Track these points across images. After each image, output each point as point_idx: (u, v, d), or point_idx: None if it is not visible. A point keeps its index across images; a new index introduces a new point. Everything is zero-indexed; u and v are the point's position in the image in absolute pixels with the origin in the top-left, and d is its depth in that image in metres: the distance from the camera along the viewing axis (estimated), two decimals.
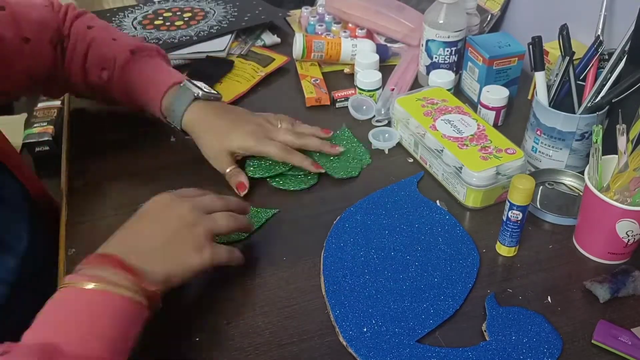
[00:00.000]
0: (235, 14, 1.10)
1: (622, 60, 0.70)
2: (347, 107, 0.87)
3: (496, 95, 0.82)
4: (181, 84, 0.75)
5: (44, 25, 0.71)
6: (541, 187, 0.73)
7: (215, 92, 0.76)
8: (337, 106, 0.89)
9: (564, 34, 0.73)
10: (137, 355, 0.48)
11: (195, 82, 0.75)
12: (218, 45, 1.01)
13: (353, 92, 0.89)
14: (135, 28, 1.05)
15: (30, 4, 0.70)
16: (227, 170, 0.72)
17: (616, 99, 0.69)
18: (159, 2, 1.15)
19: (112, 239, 0.52)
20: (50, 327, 0.44)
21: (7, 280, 0.59)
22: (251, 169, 0.74)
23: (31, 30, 0.68)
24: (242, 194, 0.70)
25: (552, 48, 0.85)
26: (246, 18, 1.08)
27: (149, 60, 0.78)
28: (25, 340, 0.43)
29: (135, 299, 0.47)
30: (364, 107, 0.87)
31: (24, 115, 1.02)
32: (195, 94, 0.73)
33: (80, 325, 0.44)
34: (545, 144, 0.74)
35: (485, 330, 0.56)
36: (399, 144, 0.81)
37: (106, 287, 0.46)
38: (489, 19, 1.03)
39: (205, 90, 0.75)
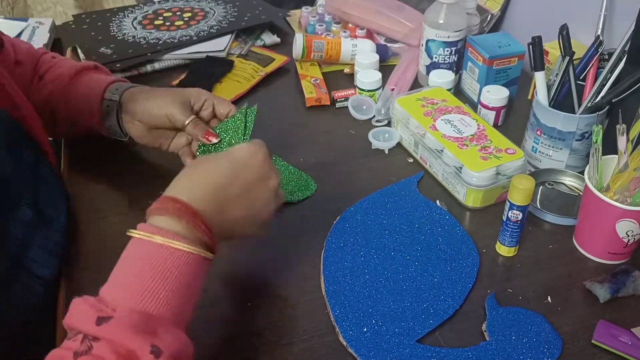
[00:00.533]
0: (235, 14, 1.10)
1: (622, 60, 0.70)
2: (347, 107, 0.87)
3: (496, 95, 0.82)
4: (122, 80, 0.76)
5: (30, 53, 0.77)
6: (541, 187, 0.73)
7: None
8: (337, 106, 0.89)
9: (564, 34, 0.73)
10: None
11: None
12: (218, 45, 1.01)
13: (353, 92, 0.89)
14: (135, 28, 1.05)
15: (18, 40, 0.79)
16: (187, 121, 0.68)
17: (616, 99, 0.69)
18: (159, 2, 1.15)
19: (191, 182, 0.51)
20: (131, 288, 0.44)
21: (57, 254, 0.60)
22: None
23: (22, 54, 0.75)
24: (216, 140, 0.67)
25: (552, 48, 0.85)
26: (246, 18, 1.08)
27: (102, 74, 0.79)
28: (104, 295, 0.44)
29: (207, 256, 0.48)
30: (364, 107, 0.87)
31: None
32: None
33: (158, 282, 0.44)
34: (545, 144, 0.74)
35: (485, 330, 0.56)
36: (399, 144, 0.81)
37: (182, 245, 0.46)
38: (489, 18, 1.03)
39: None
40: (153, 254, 0.45)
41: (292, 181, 0.73)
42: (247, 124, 0.69)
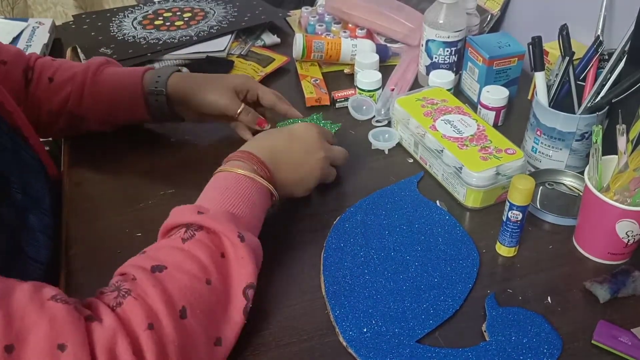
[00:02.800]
0: (235, 14, 1.10)
1: (622, 60, 0.70)
2: (347, 107, 0.87)
3: (496, 95, 0.82)
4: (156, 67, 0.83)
5: (19, 55, 0.76)
6: (541, 187, 0.73)
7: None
8: (337, 106, 0.89)
9: (564, 34, 0.73)
10: None
11: None
12: (218, 46, 1.01)
13: (353, 92, 0.89)
14: (135, 28, 1.05)
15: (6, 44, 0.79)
16: (239, 110, 0.74)
17: (616, 99, 0.69)
18: (159, 2, 1.15)
19: (257, 144, 0.64)
20: (218, 201, 0.56)
21: (49, 235, 0.63)
22: None
23: (8, 56, 0.74)
24: (267, 126, 0.75)
25: (552, 48, 0.85)
26: (246, 18, 1.08)
27: (117, 66, 0.81)
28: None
29: (272, 191, 0.61)
30: (364, 108, 0.87)
31: None
32: (177, 68, 0.79)
33: (237, 198, 0.56)
34: (545, 144, 0.74)
35: (485, 331, 0.56)
36: (398, 144, 0.81)
37: (254, 175, 0.59)
38: (488, 19, 1.03)
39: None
40: (233, 181, 0.58)
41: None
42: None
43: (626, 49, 0.70)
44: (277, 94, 0.77)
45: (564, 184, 0.74)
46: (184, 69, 0.77)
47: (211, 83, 0.75)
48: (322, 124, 0.80)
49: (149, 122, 0.80)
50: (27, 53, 0.79)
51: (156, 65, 0.98)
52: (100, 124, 0.79)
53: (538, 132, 0.74)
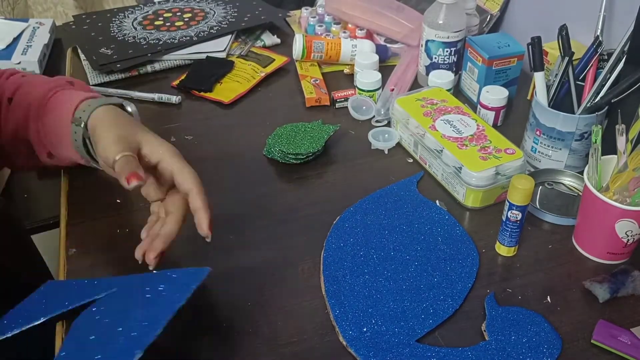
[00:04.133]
0: (235, 14, 1.10)
1: (621, 60, 0.70)
2: (346, 107, 0.87)
3: (495, 95, 0.82)
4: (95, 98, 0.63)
5: None
6: (540, 187, 0.73)
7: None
8: (336, 106, 0.89)
9: (563, 34, 0.73)
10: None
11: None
12: (218, 46, 1.02)
13: (353, 92, 0.90)
14: (136, 28, 1.05)
15: None
16: (118, 156, 0.54)
17: (615, 99, 0.69)
18: (159, 2, 1.15)
19: None
20: None
21: None
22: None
23: None
24: (135, 183, 0.52)
25: (552, 48, 0.85)
26: (246, 19, 1.08)
27: (68, 91, 0.66)
28: None
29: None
30: (364, 108, 0.87)
31: None
32: (114, 102, 0.63)
33: None
34: (545, 144, 0.74)
35: (484, 330, 0.56)
36: (398, 144, 0.81)
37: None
38: (488, 19, 1.03)
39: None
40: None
41: (310, 133, 0.79)
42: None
43: (625, 49, 0.70)
44: (197, 182, 0.56)
45: (563, 184, 0.74)
46: (131, 107, 0.64)
47: (121, 124, 0.58)
48: (322, 129, 0.80)
49: (77, 161, 0.64)
50: (4, 67, 0.70)
51: (156, 65, 0.98)
52: (49, 158, 0.66)
53: (537, 132, 0.74)
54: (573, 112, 0.73)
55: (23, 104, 0.64)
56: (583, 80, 0.75)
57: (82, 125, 0.58)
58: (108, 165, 0.55)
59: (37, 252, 0.89)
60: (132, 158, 0.54)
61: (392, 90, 0.91)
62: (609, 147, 0.62)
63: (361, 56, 0.93)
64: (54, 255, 0.67)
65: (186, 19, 1.08)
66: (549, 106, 0.74)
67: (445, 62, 0.91)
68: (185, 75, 0.95)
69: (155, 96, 0.91)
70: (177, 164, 0.56)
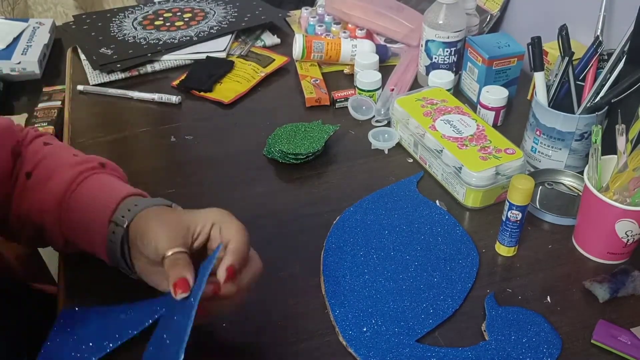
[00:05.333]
0: (235, 14, 1.10)
1: (621, 60, 0.70)
2: (346, 107, 0.87)
3: (495, 95, 0.82)
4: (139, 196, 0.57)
5: (8, 133, 0.59)
6: (540, 187, 0.73)
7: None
8: (336, 106, 0.89)
9: (563, 34, 0.73)
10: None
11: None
12: (218, 46, 1.02)
13: (353, 92, 0.90)
14: (136, 28, 1.05)
15: None
16: (169, 252, 0.48)
17: (615, 99, 0.69)
18: (159, 2, 1.15)
19: None
20: None
21: None
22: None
23: None
24: (182, 296, 0.46)
25: (552, 48, 0.85)
26: (246, 18, 1.08)
27: (100, 176, 0.58)
28: None
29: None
30: (364, 108, 0.87)
31: (25, 116, 1.02)
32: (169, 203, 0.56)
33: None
34: (545, 144, 0.74)
35: (484, 330, 0.56)
36: (398, 144, 0.81)
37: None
38: (488, 19, 1.03)
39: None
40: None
41: (310, 133, 0.79)
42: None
43: (625, 49, 0.70)
44: (240, 237, 0.50)
45: (563, 184, 0.74)
46: (178, 207, 0.56)
47: (167, 215, 0.52)
48: (322, 129, 0.80)
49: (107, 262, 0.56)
50: (26, 128, 0.63)
51: (156, 65, 0.98)
52: (64, 244, 0.58)
53: (537, 132, 0.74)
54: (573, 112, 0.73)
55: (45, 186, 0.56)
56: (583, 80, 0.75)
57: (125, 226, 0.52)
58: (156, 260, 0.50)
59: (37, 253, 0.89)
60: (182, 257, 0.49)
61: (392, 90, 0.91)
62: (609, 147, 0.62)
63: (361, 56, 0.93)
64: (53, 255, 0.67)
65: (186, 19, 1.08)
66: (549, 106, 0.74)
67: (445, 62, 0.91)
68: (185, 75, 0.95)
69: (155, 96, 0.91)
70: (226, 223, 0.51)
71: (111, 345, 0.52)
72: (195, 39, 1.02)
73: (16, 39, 1.06)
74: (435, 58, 0.91)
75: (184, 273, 0.47)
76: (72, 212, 0.55)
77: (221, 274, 0.47)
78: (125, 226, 0.52)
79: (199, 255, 0.50)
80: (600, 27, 0.79)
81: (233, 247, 0.49)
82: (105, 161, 0.61)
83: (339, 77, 0.98)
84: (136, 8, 1.13)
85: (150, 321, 0.52)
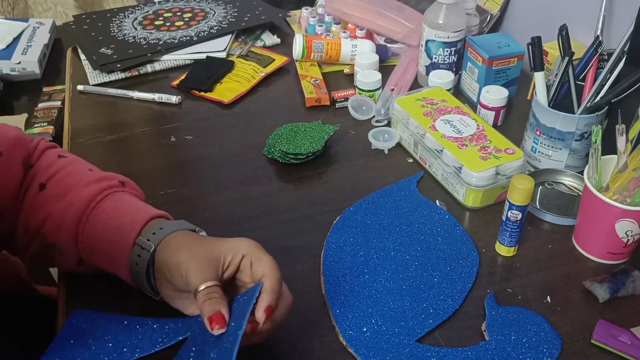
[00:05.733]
0: (235, 14, 1.10)
1: (621, 60, 0.70)
2: (347, 107, 0.87)
3: (496, 95, 0.82)
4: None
5: (19, 143, 0.58)
6: (540, 187, 0.73)
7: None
8: (337, 106, 0.89)
9: (563, 34, 0.73)
10: None
11: None
12: (218, 46, 1.02)
13: (353, 92, 0.90)
14: (136, 28, 1.05)
15: (5, 125, 0.60)
16: (202, 287, 0.48)
17: (615, 99, 0.69)
18: (159, 2, 1.15)
19: None
20: None
21: None
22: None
23: (5, 145, 0.57)
24: (219, 332, 0.47)
25: (552, 48, 0.85)
26: (246, 18, 1.08)
27: (121, 195, 0.57)
28: None
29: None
30: (364, 108, 0.87)
31: (25, 116, 1.02)
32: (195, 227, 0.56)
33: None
34: (545, 144, 0.74)
35: (484, 330, 0.56)
36: (398, 144, 0.81)
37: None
38: (488, 19, 1.03)
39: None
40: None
41: (310, 133, 0.79)
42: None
43: (625, 49, 0.70)
44: (273, 268, 0.50)
45: (563, 184, 0.74)
46: (202, 232, 0.56)
47: (195, 243, 0.52)
48: (322, 129, 0.80)
49: (129, 282, 0.55)
50: (36, 138, 0.61)
51: (156, 65, 0.98)
52: (77, 263, 0.56)
53: (537, 132, 0.74)
54: (573, 112, 0.73)
55: (61, 201, 0.55)
56: (583, 80, 0.75)
57: (151, 251, 0.51)
58: (185, 289, 0.50)
59: None
60: (216, 290, 0.49)
61: (392, 90, 0.91)
62: (609, 147, 0.62)
63: (361, 56, 0.93)
64: None
65: (186, 19, 1.08)
66: (549, 106, 0.74)
67: (445, 62, 0.91)
68: (185, 75, 0.95)
69: (155, 96, 0.91)
70: (256, 254, 0.51)
71: (128, 355, 0.51)
72: (195, 38, 1.02)
73: (16, 39, 1.06)
74: (435, 58, 0.91)
75: (220, 307, 0.47)
76: (92, 230, 0.54)
77: (260, 316, 0.48)
78: (151, 250, 0.51)
79: (227, 285, 0.51)
80: (600, 27, 0.79)
81: (269, 287, 0.49)
82: (125, 179, 0.59)
83: (339, 77, 0.98)
84: (136, 8, 1.13)
85: (173, 342, 0.52)
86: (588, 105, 0.72)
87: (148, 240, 0.52)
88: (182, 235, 0.52)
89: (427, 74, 0.90)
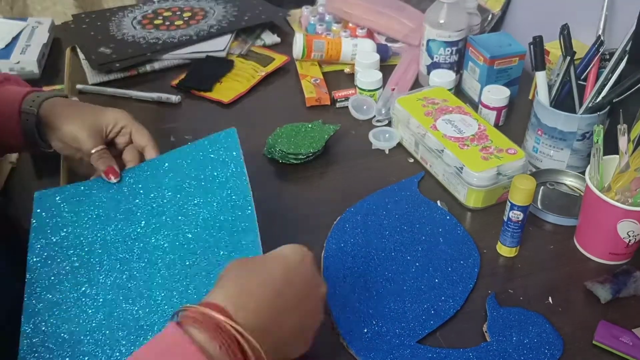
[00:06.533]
0: (235, 13, 1.09)
1: (623, 60, 0.70)
2: (347, 107, 0.87)
3: (497, 95, 0.82)
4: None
5: None
6: (542, 187, 0.73)
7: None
8: (337, 106, 0.89)
9: (565, 33, 0.73)
10: None
11: None
12: (218, 45, 1.01)
13: (353, 92, 0.89)
14: (135, 28, 1.05)
15: None
16: (93, 150, 0.64)
17: (617, 99, 0.69)
18: (158, 1, 1.15)
19: (246, 289, 0.43)
20: None
21: None
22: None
23: None
24: (115, 180, 0.63)
25: (553, 48, 0.85)
26: (246, 18, 1.08)
27: (14, 85, 0.70)
28: None
29: None
30: (365, 107, 0.87)
31: None
32: (64, 94, 0.70)
33: None
34: (546, 144, 0.74)
35: (486, 331, 0.55)
36: (399, 144, 0.81)
37: None
38: (489, 18, 1.03)
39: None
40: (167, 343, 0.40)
41: (311, 133, 0.78)
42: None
43: (627, 48, 0.69)
44: (151, 138, 0.67)
45: (565, 184, 0.74)
46: (74, 98, 0.71)
47: (80, 113, 0.66)
48: (323, 129, 0.79)
49: (22, 147, 0.68)
50: None
51: (155, 65, 0.97)
52: None
53: (539, 132, 0.74)
54: (575, 112, 0.73)
55: None
56: (585, 79, 0.74)
57: (35, 114, 0.64)
58: (79, 151, 0.65)
59: None
60: (106, 151, 0.64)
61: (393, 89, 0.91)
62: (610, 147, 0.62)
63: (362, 55, 0.93)
64: None
65: (186, 18, 1.08)
66: (550, 106, 0.73)
67: (447, 61, 0.91)
68: (185, 74, 0.95)
69: (155, 96, 0.90)
70: (134, 125, 0.67)
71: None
72: (195, 38, 1.01)
73: (15, 38, 1.06)
74: (437, 57, 0.91)
75: (112, 163, 0.64)
76: None
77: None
78: (35, 114, 0.64)
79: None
80: (602, 27, 0.79)
81: (155, 154, 0.66)
82: (9, 75, 0.72)
83: (340, 77, 0.98)
84: (135, 7, 1.13)
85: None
86: (590, 105, 0.72)
87: (30, 107, 0.64)
88: (63, 102, 0.67)
89: (428, 73, 0.90)
